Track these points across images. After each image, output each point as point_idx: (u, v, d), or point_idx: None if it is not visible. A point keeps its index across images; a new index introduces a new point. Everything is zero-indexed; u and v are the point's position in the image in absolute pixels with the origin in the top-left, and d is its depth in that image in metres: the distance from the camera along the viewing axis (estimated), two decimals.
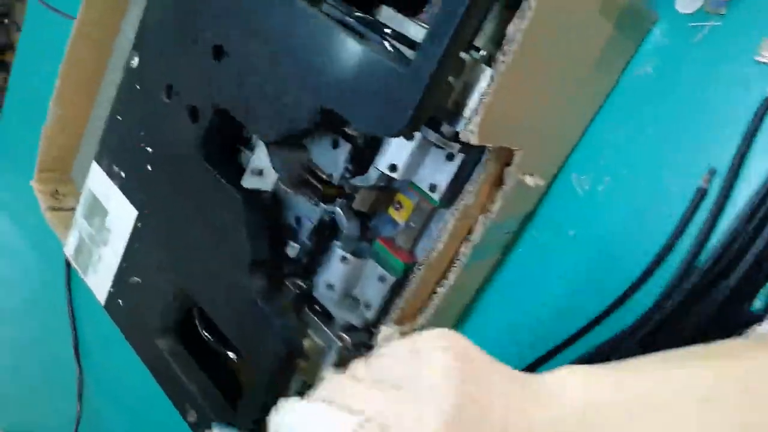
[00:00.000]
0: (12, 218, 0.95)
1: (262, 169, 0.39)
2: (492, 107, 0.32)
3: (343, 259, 0.41)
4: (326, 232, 0.43)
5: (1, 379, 1.06)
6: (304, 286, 0.43)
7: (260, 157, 0.39)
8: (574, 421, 0.23)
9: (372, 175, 0.39)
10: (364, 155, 0.40)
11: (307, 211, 0.43)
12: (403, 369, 0.25)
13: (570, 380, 0.24)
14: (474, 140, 0.32)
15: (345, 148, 0.39)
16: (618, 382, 0.24)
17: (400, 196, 0.42)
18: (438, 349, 0.24)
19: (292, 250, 0.43)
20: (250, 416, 0.42)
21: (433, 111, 0.32)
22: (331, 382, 0.27)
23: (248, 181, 0.40)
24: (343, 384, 0.26)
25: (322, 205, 0.41)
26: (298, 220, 0.43)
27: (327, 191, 0.41)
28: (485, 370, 0.24)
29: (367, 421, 0.23)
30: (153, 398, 0.48)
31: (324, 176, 0.40)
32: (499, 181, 0.38)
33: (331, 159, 0.40)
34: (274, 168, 0.39)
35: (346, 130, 0.39)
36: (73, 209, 0.58)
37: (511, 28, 0.30)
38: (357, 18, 0.35)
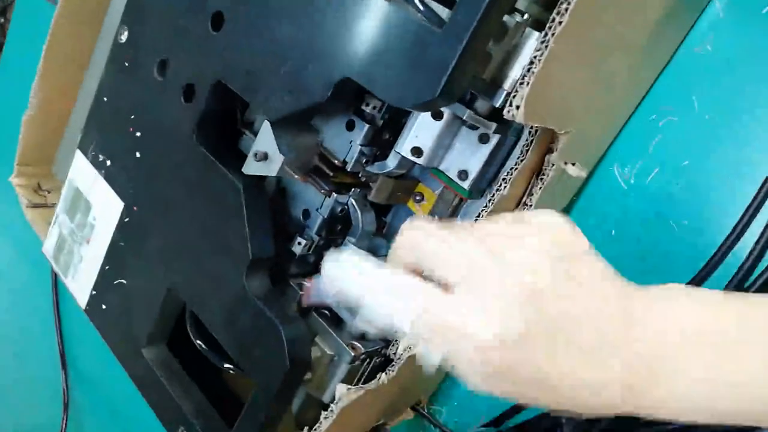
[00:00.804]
0: None
1: (266, 153, 0.34)
2: (542, 78, 0.27)
3: None
4: (338, 226, 0.38)
5: None
6: None
7: (264, 139, 0.34)
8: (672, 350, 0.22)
9: (392, 161, 0.34)
10: (382, 138, 0.35)
11: (317, 202, 0.38)
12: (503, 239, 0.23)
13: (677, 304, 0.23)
14: (520, 117, 0.27)
15: (361, 130, 0.34)
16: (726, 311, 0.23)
17: (420, 187, 0.37)
18: (541, 226, 0.23)
19: (299, 246, 0.38)
20: None
21: (469, 81, 0.27)
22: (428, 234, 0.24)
23: (250, 167, 0.35)
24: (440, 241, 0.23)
25: (333, 195, 0.36)
26: (305, 212, 0.38)
27: (339, 180, 0.36)
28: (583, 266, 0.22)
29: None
30: (144, 408, 0.43)
31: (336, 162, 0.35)
32: (538, 170, 0.34)
33: (345, 142, 0.35)
34: (280, 151, 0.34)
35: (363, 108, 0.34)
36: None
37: None
38: None
